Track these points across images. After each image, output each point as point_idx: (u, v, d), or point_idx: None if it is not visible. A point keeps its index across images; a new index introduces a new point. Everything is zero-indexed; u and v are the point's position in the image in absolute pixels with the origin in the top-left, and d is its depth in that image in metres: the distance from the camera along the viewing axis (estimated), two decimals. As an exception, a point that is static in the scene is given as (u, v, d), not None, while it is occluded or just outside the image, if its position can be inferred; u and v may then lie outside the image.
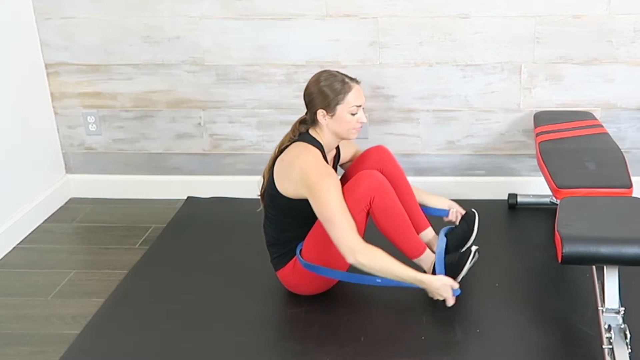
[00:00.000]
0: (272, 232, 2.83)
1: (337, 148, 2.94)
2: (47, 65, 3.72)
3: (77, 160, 3.89)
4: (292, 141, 2.77)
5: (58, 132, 3.84)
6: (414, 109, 3.62)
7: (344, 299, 2.86)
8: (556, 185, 2.74)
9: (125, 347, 2.63)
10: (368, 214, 2.73)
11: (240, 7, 3.52)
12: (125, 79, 3.71)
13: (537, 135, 3.23)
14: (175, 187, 3.84)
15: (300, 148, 2.72)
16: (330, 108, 2.69)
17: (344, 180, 2.92)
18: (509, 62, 3.50)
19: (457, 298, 2.78)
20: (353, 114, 2.72)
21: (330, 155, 2.87)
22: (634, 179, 2.78)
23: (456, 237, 2.92)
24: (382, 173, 2.88)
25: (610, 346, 2.33)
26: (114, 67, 3.69)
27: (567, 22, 3.41)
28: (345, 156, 3.00)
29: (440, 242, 2.87)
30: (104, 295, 2.95)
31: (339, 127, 2.73)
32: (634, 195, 2.67)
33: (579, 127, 3.25)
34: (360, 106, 2.73)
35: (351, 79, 2.73)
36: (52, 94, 3.77)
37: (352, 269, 2.72)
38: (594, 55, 3.45)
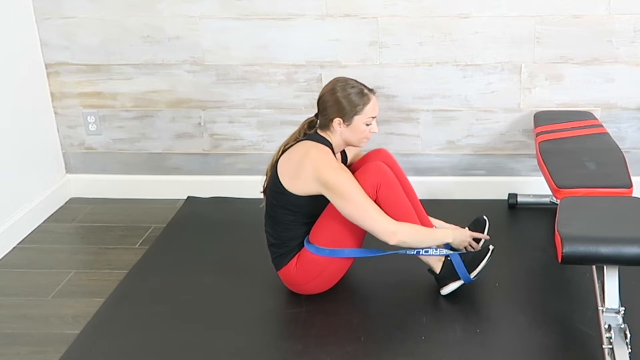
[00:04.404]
0: (273, 232, 2.83)
1: (343, 151, 2.95)
2: (47, 65, 3.72)
3: (77, 160, 3.89)
4: (297, 140, 2.78)
5: (58, 132, 3.84)
6: (414, 109, 3.62)
7: (344, 299, 2.86)
8: (556, 185, 2.74)
9: (125, 347, 2.63)
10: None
11: (240, 7, 3.53)
12: (125, 79, 3.71)
13: (537, 135, 3.23)
14: (175, 187, 3.84)
15: (308, 146, 2.74)
16: (347, 117, 2.72)
17: None
18: (509, 62, 3.50)
19: (458, 297, 2.79)
20: (367, 124, 2.75)
21: (337, 158, 2.87)
22: (634, 179, 2.78)
23: None
24: None
25: (610, 346, 2.33)
26: (114, 67, 3.69)
27: (567, 22, 3.41)
28: (351, 160, 3.00)
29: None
30: (104, 295, 2.95)
31: (352, 136, 2.76)
32: (634, 195, 2.67)
33: (579, 127, 3.25)
34: (374, 117, 2.76)
35: (369, 90, 2.77)
36: (52, 94, 3.77)
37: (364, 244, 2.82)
38: (594, 55, 3.45)
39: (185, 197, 3.83)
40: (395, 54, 3.53)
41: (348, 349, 2.56)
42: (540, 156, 3.01)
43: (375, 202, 2.72)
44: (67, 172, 3.91)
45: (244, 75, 3.64)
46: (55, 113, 3.81)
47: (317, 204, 2.74)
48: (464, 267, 2.77)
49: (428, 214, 2.98)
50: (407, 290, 2.89)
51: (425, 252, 2.77)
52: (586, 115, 3.43)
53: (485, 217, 3.01)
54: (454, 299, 2.80)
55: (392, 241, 2.69)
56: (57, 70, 3.72)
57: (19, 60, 3.54)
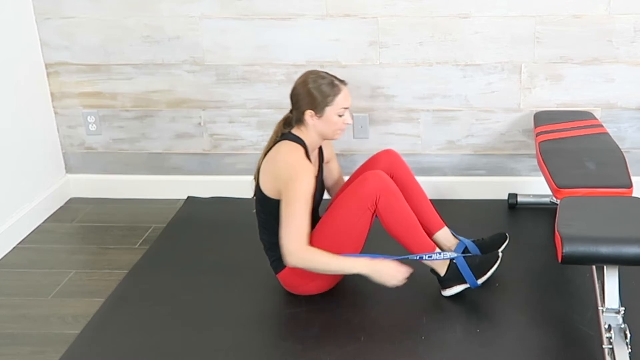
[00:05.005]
0: (267, 237, 2.83)
1: (320, 147, 2.93)
2: (47, 65, 3.72)
3: (77, 160, 3.89)
4: (275, 142, 2.77)
5: (58, 132, 3.84)
6: (414, 109, 3.62)
7: (344, 299, 2.86)
8: (556, 185, 2.74)
9: (125, 347, 2.64)
10: (373, 214, 2.73)
11: (240, 7, 3.53)
12: (125, 79, 3.71)
13: (537, 135, 3.23)
14: (175, 187, 3.84)
15: (282, 146, 2.73)
16: (319, 109, 2.70)
17: (349, 182, 2.93)
18: (509, 62, 3.50)
19: (458, 297, 2.79)
20: (340, 116, 2.73)
21: (314, 155, 2.87)
22: (634, 179, 2.78)
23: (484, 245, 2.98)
24: (392, 177, 2.90)
25: (610, 346, 2.33)
26: (114, 67, 3.69)
27: (567, 22, 3.41)
28: (327, 156, 2.99)
29: (460, 244, 2.93)
30: (104, 295, 2.95)
31: (325, 128, 2.74)
32: (634, 195, 2.67)
33: (579, 127, 3.25)
34: (347, 108, 2.75)
35: (340, 81, 2.75)
36: (52, 94, 3.77)
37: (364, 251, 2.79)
38: (594, 55, 3.45)
39: (185, 197, 3.83)
40: (395, 54, 3.53)
41: (348, 349, 2.56)
42: (540, 156, 3.01)
43: (373, 213, 2.71)
44: (67, 172, 3.92)
45: (244, 75, 3.64)
46: (55, 113, 3.81)
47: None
48: (470, 271, 2.75)
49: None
50: (407, 290, 2.88)
51: (429, 257, 2.74)
52: (586, 115, 3.43)
53: (507, 234, 3.02)
54: (454, 299, 2.80)
55: (285, 262, 2.68)
56: (57, 70, 3.72)
57: (19, 60, 3.54)
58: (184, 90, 3.70)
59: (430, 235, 2.92)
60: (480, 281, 2.76)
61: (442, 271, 2.79)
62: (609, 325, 2.38)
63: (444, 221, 2.98)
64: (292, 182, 2.63)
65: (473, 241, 2.99)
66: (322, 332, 2.67)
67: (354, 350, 2.55)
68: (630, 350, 2.31)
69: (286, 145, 2.73)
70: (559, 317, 2.69)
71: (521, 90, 3.55)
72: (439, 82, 3.56)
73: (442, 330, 2.66)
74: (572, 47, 3.45)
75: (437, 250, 2.77)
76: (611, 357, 2.32)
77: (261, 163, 2.79)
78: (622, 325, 2.37)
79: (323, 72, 2.77)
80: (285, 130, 2.79)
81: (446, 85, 3.56)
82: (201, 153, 3.82)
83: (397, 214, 2.72)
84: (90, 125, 3.80)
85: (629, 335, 2.33)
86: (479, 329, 2.66)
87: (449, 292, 2.81)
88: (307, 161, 2.71)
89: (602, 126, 3.27)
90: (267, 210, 2.76)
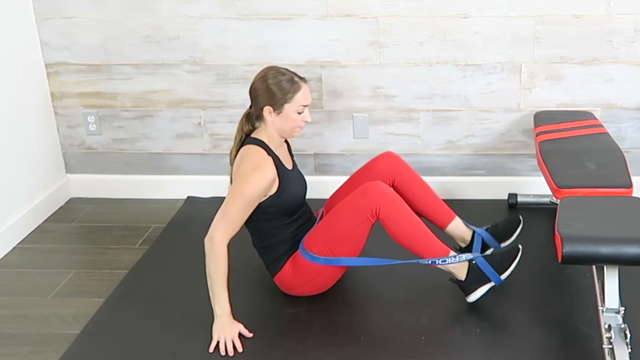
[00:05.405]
0: (258, 242, 2.84)
1: (289, 147, 2.92)
2: (47, 65, 3.72)
3: (77, 160, 3.89)
4: (240, 146, 2.76)
5: (58, 132, 3.84)
6: (414, 109, 3.62)
7: (344, 299, 2.86)
8: (556, 185, 2.74)
9: (125, 347, 2.64)
10: (373, 224, 2.70)
11: (240, 7, 3.53)
12: (125, 79, 3.71)
13: (537, 135, 3.23)
14: (175, 187, 3.85)
15: (244, 153, 2.71)
16: (277, 105, 2.68)
17: (349, 189, 2.90)
18: (509, 62, 3.50)
19: (458, 297, 2.79)
20: (299, 113, 2.71)
21: (283, 150, 2.84)
22: (634, 179, 2.78)
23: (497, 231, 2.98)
24: (394, 180, 2.91)
25: (610, 346, 2.33)
26: (114, 67, 3.69)
27: (567, 22, 3.41)
28: None
29: (476, 245, 2.92)
30: (104, 295, 2.95)
31: (284, 125, 2.71)
32: (634, 195, 2.67)
33: (579, 127, 3.25)
34: (306, 105, 2.73)
35: (300, 78, 2.72)
36: (52, 94, 3.77)
37: (363, 254, 2.76)
38: (594, 55, 3.45)
39: (185, 197, 3.83)
40: (395, 54, 3.53)
41: (348, 349, 2.56)
42: (540, 156, 3.01)
43: (372, 224, 2.69)
44: (67, 172, 3.92)
45: (244, 75, 3.64)
46: (55, 113, 3.81)
47: (275, 207, 2.71)
48: (492, 269, 2.68)
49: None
50: (407, 290, 2.89)
51: (443, 261, 2.67)
52: (586, 115, 3.43)
53: (520, 217, 3.00)
54: (454, 299, 2.80)
55: (205, 241, 2.64)
56: (57, 70, 3.72)
57: (19, 60, 3.54)
58: (184, 90, 3.70)
59: (443, 227, 2.93)
60: (503, 277, 2.68)
61: (462, 275, 2.72)
62: (609, 325, 2.38)
63: (454, 212, 2.97)
64: (245, 177, 2.62)
65: (486, 229, 2.97)
66: (322, 332, 2.67)
67: (354, 350, 2.55)
68: (630, 350, 2.31)
69: (247, 150, 2.70)
70: (559, 317, 2.69)
71: (521, 90, 3.55)
72: (439, 82, 3.56)
73: (442, 330, 2.66)
74: (572, 47, 3.45)
75: (452, 253, 2.70)
76: (611, 357, 2.32)
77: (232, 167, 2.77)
78: (622, 325, 2.37)
79: (283, 68, 2.74)
80: (247, 128, 2.77)
81: (446, 85, 3.56)
82: (201, 153, 3.82)
83: (400, 224, 2.68)
84: (90, 125, 3.80)
85: (629, 335, 2.33)
86: (479, 329, 2.66)
87: (473, 296, 2.73)
88: (268, 162, 2.67)
89: (602, 126, 3.27)
90: (250, 216, 2.71)
